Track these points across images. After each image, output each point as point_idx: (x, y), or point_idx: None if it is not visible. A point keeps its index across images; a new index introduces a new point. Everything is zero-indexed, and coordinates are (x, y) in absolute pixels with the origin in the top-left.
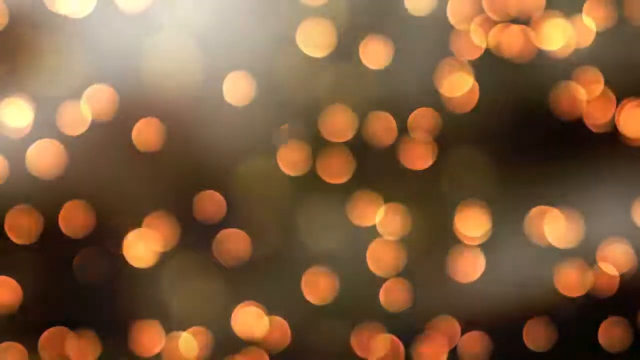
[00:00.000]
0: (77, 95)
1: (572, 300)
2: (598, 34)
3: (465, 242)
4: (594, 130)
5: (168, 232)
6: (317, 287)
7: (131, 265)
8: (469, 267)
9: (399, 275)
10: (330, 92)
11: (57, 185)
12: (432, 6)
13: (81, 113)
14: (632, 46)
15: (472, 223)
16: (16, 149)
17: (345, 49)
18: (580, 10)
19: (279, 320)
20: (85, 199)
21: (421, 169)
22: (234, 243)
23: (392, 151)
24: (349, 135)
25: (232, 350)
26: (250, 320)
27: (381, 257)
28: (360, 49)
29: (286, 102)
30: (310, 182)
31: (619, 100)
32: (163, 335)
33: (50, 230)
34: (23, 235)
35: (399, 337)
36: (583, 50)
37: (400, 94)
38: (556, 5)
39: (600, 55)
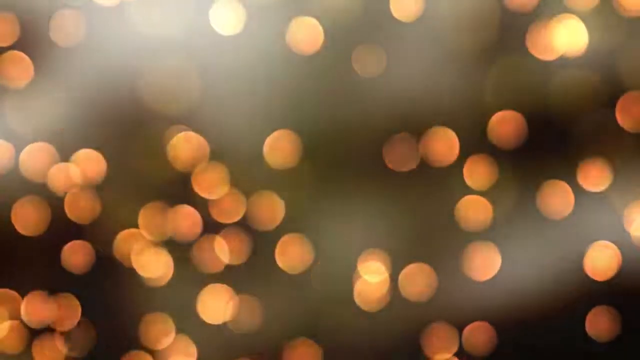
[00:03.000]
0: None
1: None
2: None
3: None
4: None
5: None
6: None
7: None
8: (480, 263)
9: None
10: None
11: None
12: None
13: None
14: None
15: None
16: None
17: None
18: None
19: (278, 316)
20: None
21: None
22: (234, 241)
23: (390, 152)
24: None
25: (234, 348)
26: (249, 317)
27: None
28: (353, 57)
29: (282, 105)
30: (307, 182)
31: (617, 99)
32: (165, 332)
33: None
34: (29, 227)
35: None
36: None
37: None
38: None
39: (598, 53)
